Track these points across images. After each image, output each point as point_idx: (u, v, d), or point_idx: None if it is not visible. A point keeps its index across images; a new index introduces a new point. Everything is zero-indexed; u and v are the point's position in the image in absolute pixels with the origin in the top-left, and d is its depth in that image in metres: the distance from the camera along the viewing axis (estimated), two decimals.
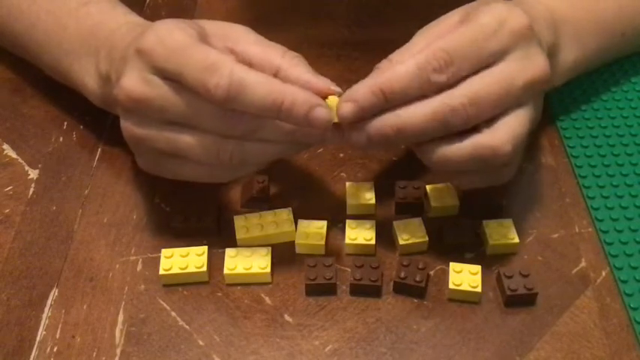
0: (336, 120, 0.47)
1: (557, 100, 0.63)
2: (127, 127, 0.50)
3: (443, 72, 0.46)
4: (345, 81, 0.64)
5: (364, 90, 0.46)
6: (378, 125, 0.46)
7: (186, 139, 0.48)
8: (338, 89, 0.48)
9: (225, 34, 0.50)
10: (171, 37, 0.47)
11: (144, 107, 0.47)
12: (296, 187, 0.57)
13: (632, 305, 0.49)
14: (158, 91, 0.47)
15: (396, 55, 0.49)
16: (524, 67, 0.48)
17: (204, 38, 0.48)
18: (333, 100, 0.47)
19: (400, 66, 0.46)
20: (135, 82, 0.47)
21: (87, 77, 0.55)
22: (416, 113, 0.46)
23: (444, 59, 0.46)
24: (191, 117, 0.47)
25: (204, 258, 0.51)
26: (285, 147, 0.49)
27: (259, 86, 0.45)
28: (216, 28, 0.50)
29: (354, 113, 0.46)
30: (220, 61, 0.45)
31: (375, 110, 0.46)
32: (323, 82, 0.48)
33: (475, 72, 0.47)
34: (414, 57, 0.46)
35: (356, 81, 0.48)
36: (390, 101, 0.46)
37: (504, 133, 0.47)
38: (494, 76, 0.47)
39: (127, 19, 0.55)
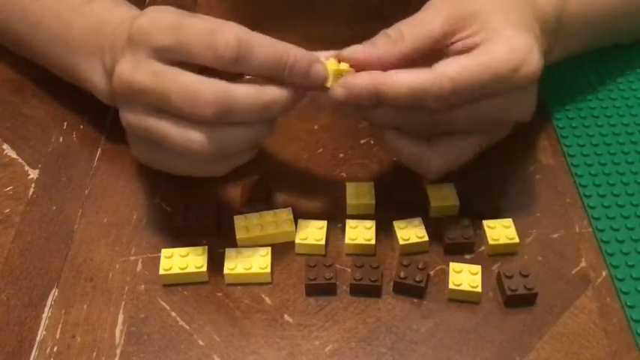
0: (328, 85, 0.48)
1: (553, 99, 0.63)
2: (122, 114, 0.50)
3: (442, 102, 0.46)
4: None
5: (362, 84, 0.47)
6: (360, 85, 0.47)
7: (163, 126, 0.48)
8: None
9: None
10: (165, 16, 0.47)
11: (133, 93, 0.47)
12: (296, 187, 0.57)
13: (628, 304, 0.49)
14: (145, 75, 0.47)
15: (394, 31, 0.49)
16: (516, 105, 0.49)
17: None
18: (332, 64, 0.48)
19: (404, 78, 0.46)
20: (127, 67, 0.48)
21: (94, 75, 0.55)
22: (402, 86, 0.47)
23: (449, 90, 0.46)
24: (171, 105, 0.47)
25: (204, 258, 0.51)
26: (259, 128, 0.49)
27: (265, 44, 0.46)
28: (205, 19, 0.50)
29: (345, 99, 0.47)
30: (224, 24, 0.46)
31: (364, 104, 0.47)
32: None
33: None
34: (420, 76, 0.46)
35: None
36: (381, 103, 0.47)
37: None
38: (487, 106, 0.48)
39: (130, 15, 0.55)
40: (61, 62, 0.59)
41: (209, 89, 0.46)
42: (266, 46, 0.46)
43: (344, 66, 0.48)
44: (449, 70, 0.46)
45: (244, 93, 0.46)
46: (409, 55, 0.48)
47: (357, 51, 0.48)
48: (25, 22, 0.60)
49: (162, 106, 0.47)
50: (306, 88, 0.48)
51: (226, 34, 0.46)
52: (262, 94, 0.47)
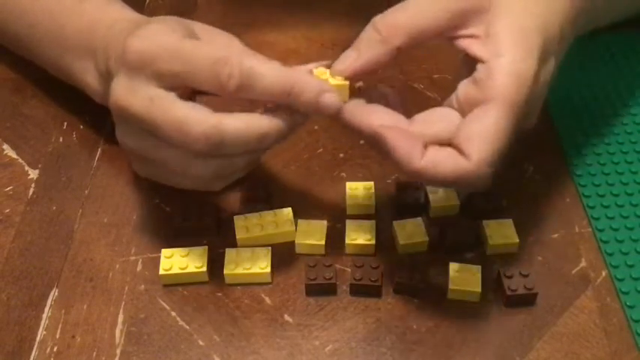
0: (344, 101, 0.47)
1: (554, 99, 0.63)
2: (118, 134, 0.50)
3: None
4: None
5: (368, 129, 0.45)
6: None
7: (169, 152, 0.47)
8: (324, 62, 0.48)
9: (213, 39, 0.50)
10: (166, 40, 0.46)
11: (127, 116, 0.47)
12: (296, 187, 0.57)
13: (628, 303, 0.49)
14: (139, 101, 0.46)
15: (386, 27, 0.46)
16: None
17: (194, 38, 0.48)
18: (322, 74, 0.47)
19: (407, 153, 0.44)
20: (122, 90, 0.47)
21: (87, 76, 0.55)
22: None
23: (489, 173, 0.45)
24: (160, 134, 0.46)
25: (204, 258, 0.51)
26: (255, 156, 0.49)
27: (269, 73, 0.45)
28: (205, 31, 0.50)
29: (347, 124, 0.47)
30: (228, 53, 0.46)
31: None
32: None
33: None
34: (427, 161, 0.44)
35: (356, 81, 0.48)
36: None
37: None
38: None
39: (122, 15, 0.55)
40: (57, 62, 0.59)
41: (199, 125, 0.45)
42: (271, 76, 0.45)
43: (338, 78, 0.47)
44: (487, 156, 0.44)
45: (234, 128, 0.46)
46: (402, 51, 0.47)
47: (348, 65, 0.47)
48: (23, 22, 0.60)
49: (154, 133, 0.47)
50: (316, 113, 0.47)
51: (230, 63, 0.45)
52: (253, 127, 0.46)
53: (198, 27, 0.50)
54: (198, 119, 0.45)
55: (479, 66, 0.45)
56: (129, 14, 0.56)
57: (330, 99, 0.46)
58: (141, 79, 0.46)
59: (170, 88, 0.46)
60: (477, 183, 0.45)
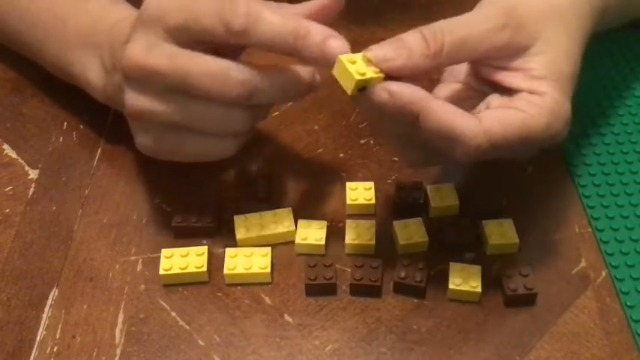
0: (350, 85, 0.44)
1: None
2: (131, 98, 0.49)
3: (471, 154, 0.45)
4: None
5: (407, 98, 0.44)
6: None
7: (192, 108, 0.48)
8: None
9: None
10: None
11: (147, 75, 0.47)
12: (296, 187, 0.57)
13: (628, 303, 0.49)
14: (162, 56, 0.47)
15: (434, 40, 0.45)
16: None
17: None
18: (360, 64, 0.44)
19: (449, 116, 0.44)
20: (138, 50, 0.47)
21: (89, 72, 0.55)
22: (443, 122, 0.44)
23: (484, 149, 0.44)
24: (196, 82, 0.47)
25: (204, 258, 0.51)
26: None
27: (276, 17, 0.45)
28: None
29: (384, 104, 0.45)
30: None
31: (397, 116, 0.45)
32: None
33: None
34: (464, 123, 0.44)
35: None
36: (411, 123, 0.45)
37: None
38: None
39: (127, 14, 0.55)
40: (58, 60, 0.59)
41: (238, 72, 0.46)
42: (278, 20, 0.45)
43: (373, 71, 0.44)
44: (493, 130, 0.44)
45: (268, 75, 0.47)
46: (442, 67, 0.47)
47: (389, 60, 0.45)
48: (24, 20, 0.60)
49: (180, 88, 0.47)
50: (321, 65, 0.46)
51: (235, 5, 0.45)
52: (285, 74, 0.47)
53: None
54: (235, 66, 0.46)
55: (518, 95, 0.46)
56: (134, 12, 0.56)
57: (337, 43, 0.45)
58: (156, 38, 0.47)
59: (184, 44, 0.47)
60: (460, 149, 0.44)
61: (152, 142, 0.51)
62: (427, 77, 0.50)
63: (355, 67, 0.44)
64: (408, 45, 0.45)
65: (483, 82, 0.50)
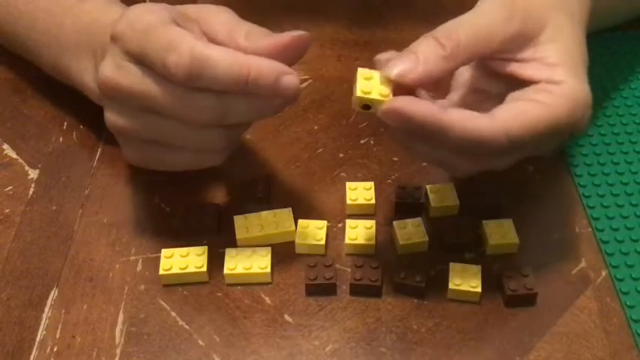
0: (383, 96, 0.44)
1: None
2: (108, 116, 0.49)
3: (496, 154, 0.45)
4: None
5: (418, 117, 0.43)
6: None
7: (166, 128, 0.47)
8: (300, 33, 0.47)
9: (201, 17, 0.49)
10: (140, 19, 0.46)
11: (119, 94, 0.47)
12: (296, 187, 0.57)
13: (628, 304, 0.49)
14: (130, 77, 0.46)
15: (450, 42, 0.45)
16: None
17: (177, 20, 0.47)
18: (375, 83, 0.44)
19: (464, 123, 0.43)
20: (109, 70, 0.47)
21: (85, 75, 0.55)
22: (459, 131, 0.44)
23: (507, 147, 0.44)
24: (162, 105, 0.46)
25: (204, 258, 0.51)
26: (259, 101, 0.47)
27: (222, 60, 0.44)
28: (193, 10, 0.49)
29: (395, 125, 0.44)
30: (180, 39, 0.45)
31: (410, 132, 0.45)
32: (286, 36, 0.47)
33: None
34: (481, 126, 0.44)
35: None
36: (430, 139, 0.45)
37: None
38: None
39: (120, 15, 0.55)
40: (55, 62, 0.58)
41: (205, 98, 0.45)
42: (223, 61, 0.44)
43: (382, 92, 0.44)
44: (512, 128, 0.44)
45: (241, 96, 0.46)
46: (460, 66, 0.46)
47: (408, 72, 0.44)
48: (22, 22, 0.60)
49: (151, 109, 0.47)
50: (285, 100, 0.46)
51: (180, 49, 0.44)
52: (238, 59, 0.45)
53: (188, 8, 0.49)
54: (184, 37, 0.45)
55: (533, 87, 0.46)
56: None
57: (290, 80, 0.45)
58: (122, 57, 0.47)
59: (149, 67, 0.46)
60: (485, 152, 0.44)
61: (136, 154, 0.51)
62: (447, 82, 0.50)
63: (366, 83, 0.44)
64: (420, 51, 0.45)
65: (496, 78, 0.49)
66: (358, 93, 0.44)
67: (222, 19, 0.49)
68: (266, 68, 0.45)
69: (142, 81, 0.46)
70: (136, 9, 0.48)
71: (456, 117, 0.43)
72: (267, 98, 0.46)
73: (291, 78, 0.45)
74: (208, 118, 0.46)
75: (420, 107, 0.43)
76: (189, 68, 0.44)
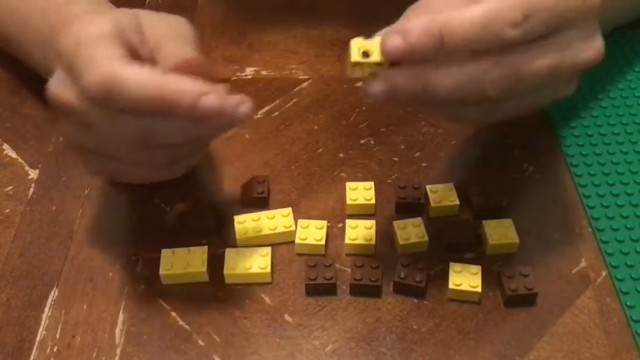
0: (379, 59, 0.43)
1: None
2: (61, 128, 0.49)
3: (519, 26, 0.42)
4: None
5: (419, 29, 0.41)
6: (407, 78, 0.43)
7: (106, 143, 0.47)
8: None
9: (157, 42, 0.48)
10: (80, 32, 0.45)
11: (63, 109, 0.47)
12: (296, 187, 0.57)
13: (628, 304, 0.49)
14: (66, 93, 0.46)
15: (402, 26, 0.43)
16: (581, 49, 0.45)
17: (125, 34, 0.46)
18: (373, 44, 0.43)
19: (470, 11, 0.41)
20: (54, 84, 0.47)
21: None
22: (450, 77, 0.42)
23: (522, 13, 0.41)
24: (93, 124, 0.46)
25: (205, 258, 0.51)
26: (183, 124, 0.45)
27: (136, 80, 0.42)
28: (150, 27, 0.48)
29: (402, 51, 0.42)
30: (100, 57, 0.43)
31: (424, 55, 0.42)
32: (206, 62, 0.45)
33: (542, 37, 0.43)
34: (486, 5, 0.41)
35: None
36: (445, 50, 0.42)
37: None
38: (548, 53, 0.44)
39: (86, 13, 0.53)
40: (46, 62, 0.58)
41: (127, 123, 0.44)
42: (138, 82, 0.42)
43: (375, 56, 0.43)
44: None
45: (167, 120, 0.44)
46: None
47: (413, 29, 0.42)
48: (15, 20, 0.60)
49: (90, 126, 0.46)
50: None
51: (92, 70, 0.43)
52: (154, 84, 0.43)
53: (147, 19, 0.48)
54: (105, 56, 0.43)
55: None
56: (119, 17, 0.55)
57: (210, 101, 0.42)
58: (62, 69, 0.46)
59: None
60: (509, 30, 0.41)
61: (91, 167, 0.51)
62: None
63: (361, 47, 0.43)
64: (407, 31, 0.43)
65: None
66: (353, 58, 0.43)
67: (172, 45, 0.48)
68: (183, 89, 0.42)
69: (76, 97, 0.45)
70: (86, 17, 0.47)
71: (461, 11, 0.41)
72: (194, 120, 0.43)
73: (210, 99, 0.42)
74: (134, 138, 0.45)
75: (420, 17, 0.42)
76: (100, 89, 0.43)
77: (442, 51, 0.42)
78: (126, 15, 0.48)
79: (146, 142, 0.46)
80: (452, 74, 0.43)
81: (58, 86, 0.47)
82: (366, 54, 0.43)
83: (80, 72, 0.44)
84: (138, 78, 0.43)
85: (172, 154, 0.48)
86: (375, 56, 0.43)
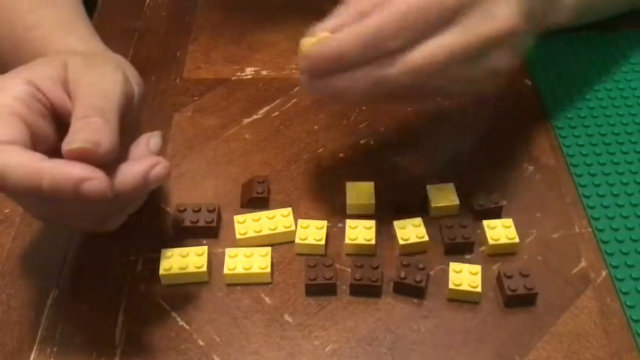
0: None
1: (552, 98, 0.63)
2: None
3: (399, 37, 0.45)
4: None
5: (318, 56, 0.47)
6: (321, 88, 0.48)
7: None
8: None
9: (76, 95, 0.46)
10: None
11: None
12: (296, 187, 0.57)
13: (628, 304, 0.49)
14: None
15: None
16: (483, 24, 0.47)
17: (27, 100, 0.45)
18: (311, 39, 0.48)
19: (353, 30, 0.46)
20: None
21: None
22: (357, 82, 0.46)
23: (399, 23, 0.45)
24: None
25: (204, 258, 0.51)
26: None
27: (15, 169, 0.41)
28: (76, 77, 0.46)
29: (310, 66, 0.48)
30: None
31: (328, 70, 0.47)
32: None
33: (433, 31, 0.46)
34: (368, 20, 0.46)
35: None
36: (341, 66, 0.46)
37: None
38: (449, 42, 0.46)
39: (65, 47, 0.52)
40: None
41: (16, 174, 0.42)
42: (17, 171, 0.41)
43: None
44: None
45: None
46: None
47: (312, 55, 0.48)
48: (9, 39, 0.57)
49: None
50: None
51: None
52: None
53: (75, 66, 0.47)
54: (16, 167, 0.42)
55: None
56: (73, 46, 0.53)
57: (92, 186, 0.41)
58: None
59: None
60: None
61: (35, 213, 0.50)
62: None
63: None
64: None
65: None
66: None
67: (87, 102, 0.45)
68: (61, 176, 0.41)
69: None
70: (2, 79, 0.46)
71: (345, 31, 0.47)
72: (86, 202, 0.42)
73: (92, 184, 0.41)
74: (42, 214, 0.48)
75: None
76: None
77: (341, 67, 0.46)
78: (47, 67, 0.46)
79: (55, 217, 0.47)
80: (357, 79, 0.46)
81: None
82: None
83: None
84: (18, 166, 0.42)
85: (101, 214, 0.48)
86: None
